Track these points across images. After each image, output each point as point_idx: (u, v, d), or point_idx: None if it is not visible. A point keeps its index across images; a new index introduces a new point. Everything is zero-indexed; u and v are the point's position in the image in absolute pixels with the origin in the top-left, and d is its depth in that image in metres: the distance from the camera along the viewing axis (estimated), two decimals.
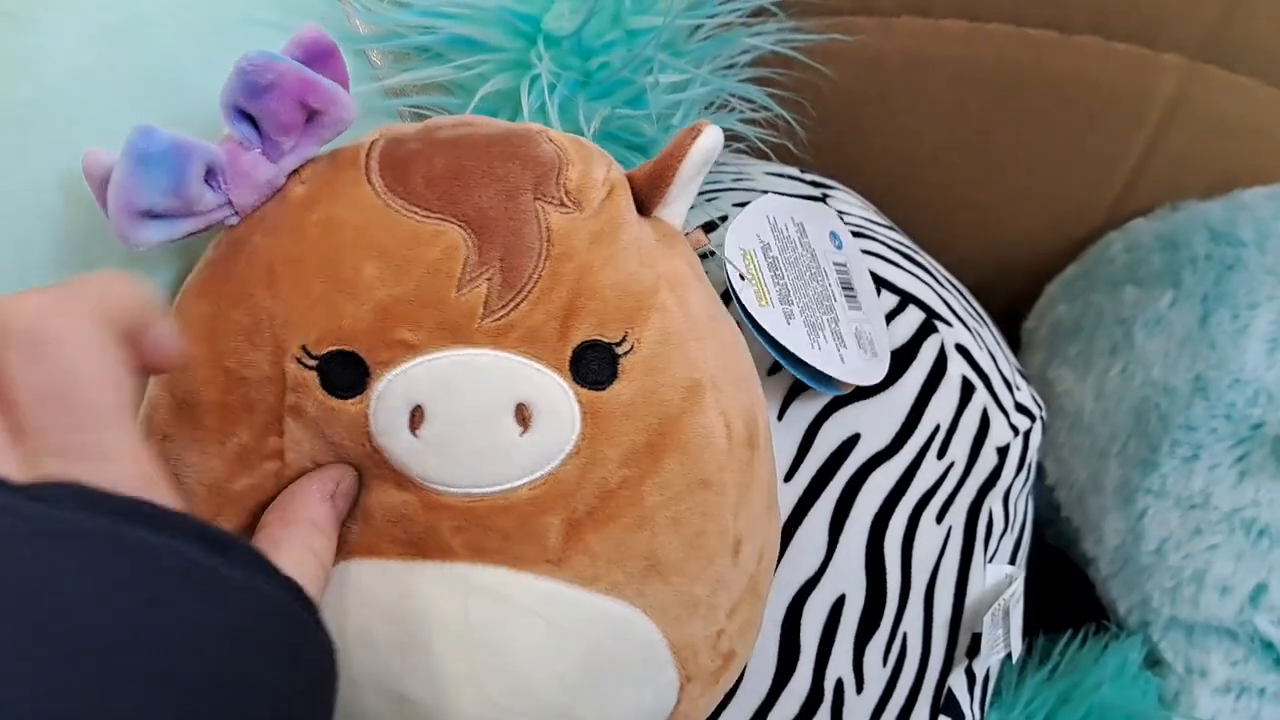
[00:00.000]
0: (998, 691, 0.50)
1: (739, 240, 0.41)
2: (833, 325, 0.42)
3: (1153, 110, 0.61)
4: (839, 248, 0.47)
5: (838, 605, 0.42)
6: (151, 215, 0.32)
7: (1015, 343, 0.67)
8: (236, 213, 0.34)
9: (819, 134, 0.54)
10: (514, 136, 0.34)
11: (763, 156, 0.53)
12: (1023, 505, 0.50)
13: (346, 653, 0.31)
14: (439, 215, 0.32)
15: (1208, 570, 0.52)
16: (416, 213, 0.32)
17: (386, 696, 0.31)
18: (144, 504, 0.22)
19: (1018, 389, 0.49)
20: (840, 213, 0.51)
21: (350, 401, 0.31)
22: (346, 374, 0.31)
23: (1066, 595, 0.60)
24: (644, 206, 0.36)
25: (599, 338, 0.32)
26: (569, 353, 0.32)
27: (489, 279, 0.31)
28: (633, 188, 0.36)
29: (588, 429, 0.31)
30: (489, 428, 0.31)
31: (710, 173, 0.39)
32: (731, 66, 0.49)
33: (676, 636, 0.33)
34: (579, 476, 0.31)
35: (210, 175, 0.32)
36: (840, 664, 0.42)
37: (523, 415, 0.31)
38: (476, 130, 0.35)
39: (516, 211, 0.32)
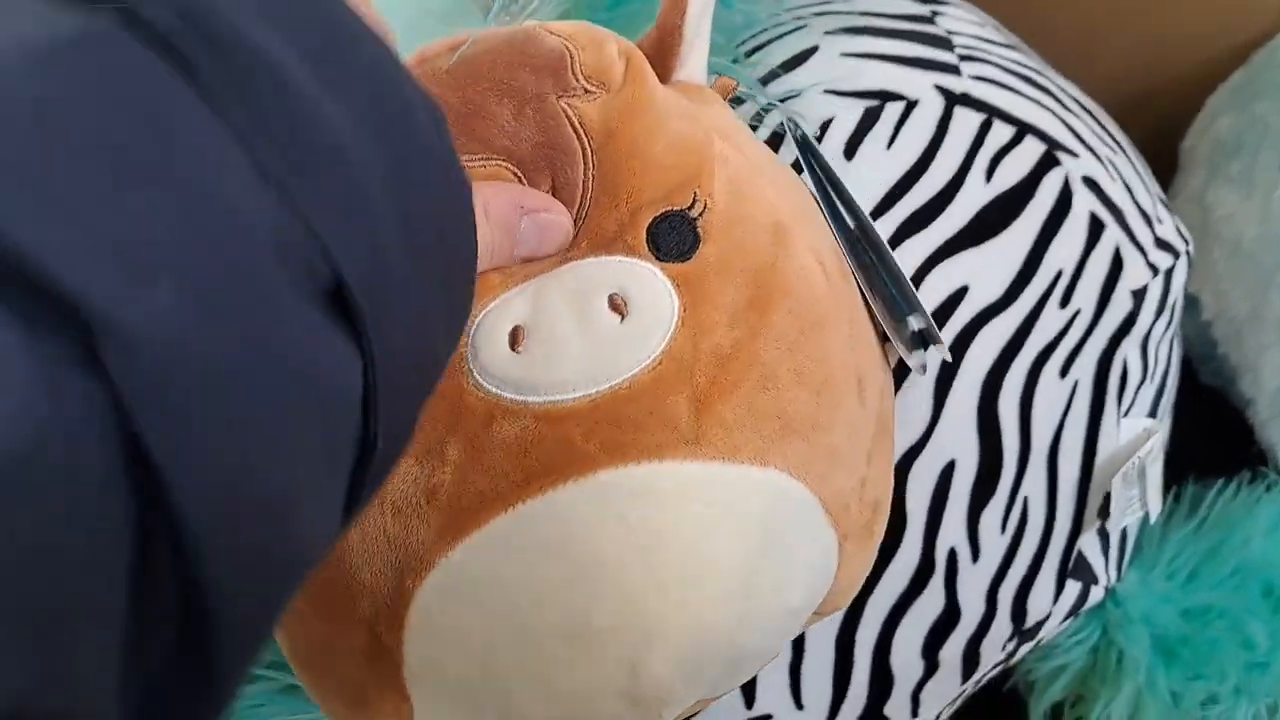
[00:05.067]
0: (1139, 546, 0.46)
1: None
2: None
3: None
4: None
5: (947, 472, 0.39)
6: None
7: (1170, 167, 0.61)
8: None
9: None
10: (514, 44, 0.33)
11: None
12: (1165, 352, 0.45)
13: (520, 612, 0.29)
14: (480, 156, 0.32)
15: None
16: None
17: (574, 642, 0.29)
18: None
19: (1159, 222, 0.44)
20: (950, 32, 0.45)
21: None
22: None
23: (1223, 438, 0.55)
24: (661, 75, 0.34)
25: (669, 208, 0.31)
26: (643, 234, 0.31)
27: None
28: None
29: (685, 298, 0.30)
30: (589, 324, 0.30)
31: None
32: None
33: (826, 493, 0.31)
34: (692, 348, 0.30)
35: None
36: (952, 533, 0.39)
37: (616, 304, 0.30)
38: (475, 50, 0.33)
39: (545, 121, 0.32)
